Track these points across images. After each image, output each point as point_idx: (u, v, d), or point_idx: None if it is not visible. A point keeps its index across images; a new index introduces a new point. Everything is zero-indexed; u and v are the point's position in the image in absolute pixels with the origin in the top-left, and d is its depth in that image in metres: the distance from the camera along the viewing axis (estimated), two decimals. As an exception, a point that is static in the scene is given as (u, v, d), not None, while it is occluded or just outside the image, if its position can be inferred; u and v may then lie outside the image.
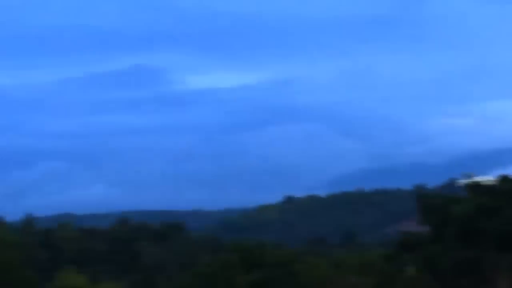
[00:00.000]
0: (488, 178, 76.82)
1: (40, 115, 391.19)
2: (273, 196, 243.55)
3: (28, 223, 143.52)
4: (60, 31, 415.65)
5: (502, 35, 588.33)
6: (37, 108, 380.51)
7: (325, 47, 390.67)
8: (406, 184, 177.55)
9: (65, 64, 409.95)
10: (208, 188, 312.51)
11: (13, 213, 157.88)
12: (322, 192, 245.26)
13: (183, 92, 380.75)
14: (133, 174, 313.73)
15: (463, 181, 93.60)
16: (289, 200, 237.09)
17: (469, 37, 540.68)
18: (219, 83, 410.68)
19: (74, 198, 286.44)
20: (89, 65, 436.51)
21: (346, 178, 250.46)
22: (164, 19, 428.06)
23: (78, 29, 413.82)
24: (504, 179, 63.71)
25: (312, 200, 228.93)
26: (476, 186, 62.47)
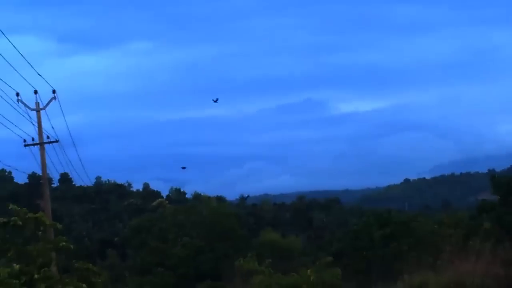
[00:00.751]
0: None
1: (247, 132, 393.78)
2: (396, 179, 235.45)
3: (241, 201, 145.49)
4: (254, 81, 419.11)
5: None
6: (245, 128, 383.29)
7: (427, 82, 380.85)
8: (483, 169, 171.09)
9: (263, 100, 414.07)
10: (354, 174, 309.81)
11: (231, 195, 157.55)
12: (428, 175, 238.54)
13: (336, 115, 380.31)
14: (307, 166, 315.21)
15: None
16: (406, 181, 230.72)
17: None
18: (359, 107, 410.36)
19: (270, 184, 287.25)
20: (278, 100, 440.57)
21: (443, 165, 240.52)
22: (322, 69, 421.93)
23: (252, 78, 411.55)
24: None
25: (422, 181, 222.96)
26: None
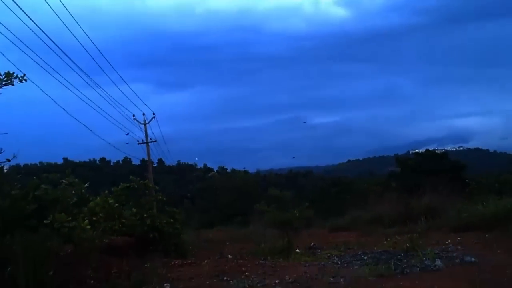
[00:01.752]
0: (421, 150, 73.44)
1: (263, 134, 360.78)
2: (343, 159, 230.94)
3: (257, 173, 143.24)
4: (266, 106, 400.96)
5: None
6: (261, 132, 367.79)
7: (361, 106, 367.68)
8: (391, 153, 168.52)
9: (269, 116, 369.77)
10: (320, 156, 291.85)
11: (252, 169, 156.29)
12: (360, 157, 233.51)
13: (312, 124, 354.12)
14: (295, 153, 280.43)
15: (412, 152, 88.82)
16: (349, 161, 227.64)
17: None
18: (324, 120, 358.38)
19: (274, 162, 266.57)
20: (280, 116, 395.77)
21: (370, 151, 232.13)
22: (304, 99, 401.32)
23: (264, 104, 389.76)
24: (427, 151, 60.83)
25: (357, 161, 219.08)
26: (416, 153, 60.57)
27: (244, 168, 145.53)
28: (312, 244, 24.37)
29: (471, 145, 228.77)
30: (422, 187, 32.72)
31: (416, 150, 66.32)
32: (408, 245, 18.74)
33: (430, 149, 69.97)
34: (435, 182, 34.22)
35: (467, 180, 39.87)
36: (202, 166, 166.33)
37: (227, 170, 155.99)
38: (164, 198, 27.09)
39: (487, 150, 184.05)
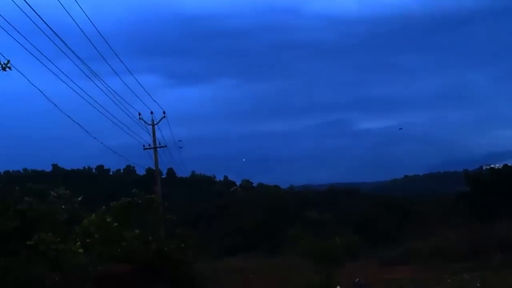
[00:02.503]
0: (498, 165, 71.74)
1: (296, 141, 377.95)
2: (398, 174, 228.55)
3: (291, 189, 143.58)
4: (301, 106, 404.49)
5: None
6: (295, 138, 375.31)
7: (421, 107, 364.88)
8: (460, 169, 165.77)
9: (307, 119, 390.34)
10: (369, 170, 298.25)
11: (285, 184, 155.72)
12: (421, 172, 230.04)
13: (358, 130, 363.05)
14: (337, 165, 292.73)
15: (486, 167, 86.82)
16: (406, 176, 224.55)
17: None
18: (373, 125, 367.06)
19: (311, 176, 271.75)
20: (319, 119, 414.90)
21: (432, 165, 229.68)
22: (349, 98, 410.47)
23: (312, 104, 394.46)
24: (505, 166, 59.96)
25: (416, 176, 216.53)
26: (491, 169, 59.55)
27: (275, 183, 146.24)
28: (357, 280, 24.12)
29: None
30: (498, 211, 32.16)
31: (492, 165, 65.01)
32: (479, 285, 18.35)
33: (509, 164, 68.66)
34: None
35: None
36: (222, 179, 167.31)
37: (253, 185, 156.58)
38: (174, 218, 27.19)
39: None
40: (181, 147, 45.10)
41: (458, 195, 59.20)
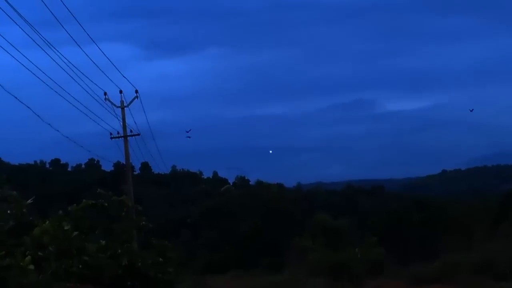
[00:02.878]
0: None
1: (305, 128, 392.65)
2: (434, 169, 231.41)
3: (297, 188, 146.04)
4: (312, 83, 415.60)
5: None
6: (303, 124, 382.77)
7: (461, 84, 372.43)
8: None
9: (319, 100, 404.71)
10: (396, 164, 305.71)
11: (289, 182, 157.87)
12: (463, 167, 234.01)
13: (383, 113, 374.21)
14: (355, 157, 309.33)
15: None
16: (444, 171, 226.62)
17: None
18: (402, 106, 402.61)
19: (323, 173, 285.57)
20: (333, 100, 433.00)
21: (477, 158, 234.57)
22: (371, 73, 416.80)
23: (310, 81, 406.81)
24: None
25: (457, 172, 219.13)
26: None
27: (277, 180, 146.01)
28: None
29: None
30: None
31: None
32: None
33: None
34: None
35: None
36: (210, 175, 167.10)
37: (250, 183, 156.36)
38: (150, 225, 27.18)
39: None
40: (189, 137, 45.09)
41: (510, 195, 59.70)
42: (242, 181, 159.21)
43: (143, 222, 27.18)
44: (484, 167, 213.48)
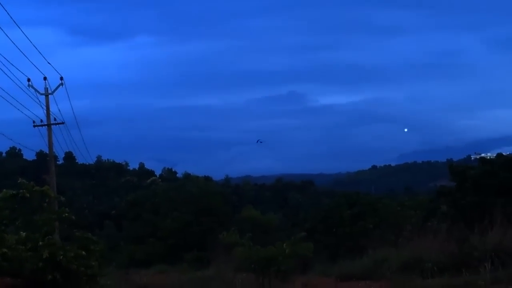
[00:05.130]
0: (490, 155, 74.39)
1: (235, 120, 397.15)
2: (365, 165, 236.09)
3: (226, 181, 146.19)
4: (243, 75, 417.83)
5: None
6: (234, 116, 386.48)
7: (397, 80, 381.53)
8: (442, 158, 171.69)
9: (251, 92, 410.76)
10: (327, 159, 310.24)
11: (218, 175, 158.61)
12: (393, 163, 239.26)
13: (315, 106, 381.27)
14: (286, 151, 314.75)
15: (475, 156, 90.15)
16: (374, 167, 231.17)
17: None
18: (336, 100, 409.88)
19: (253, 166, 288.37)
20: (266, 92, 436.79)
21: (407, 154, 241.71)
22: (305, 65, 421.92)
23: (241, 72, 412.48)
24: (499, 155, 61.91)
25: (387, 167, 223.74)
26: (482, 159, 61.20)
27: (205, 174, 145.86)
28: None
29: None
30: (490, 213, 32.94)
31: (483, 155, 66.53)
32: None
33: (504, 153, 70.40)
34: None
35: None
36: (137, 167, 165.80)
37: (177, 176, 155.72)
38: (73, 217, 26.97)
39: None
40: (261, 142, 44.60)
41: (439, 192, 60.68)
42: (169, 173, 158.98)
43: (66, 214, 26.94)
44: (414, 164, 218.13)
